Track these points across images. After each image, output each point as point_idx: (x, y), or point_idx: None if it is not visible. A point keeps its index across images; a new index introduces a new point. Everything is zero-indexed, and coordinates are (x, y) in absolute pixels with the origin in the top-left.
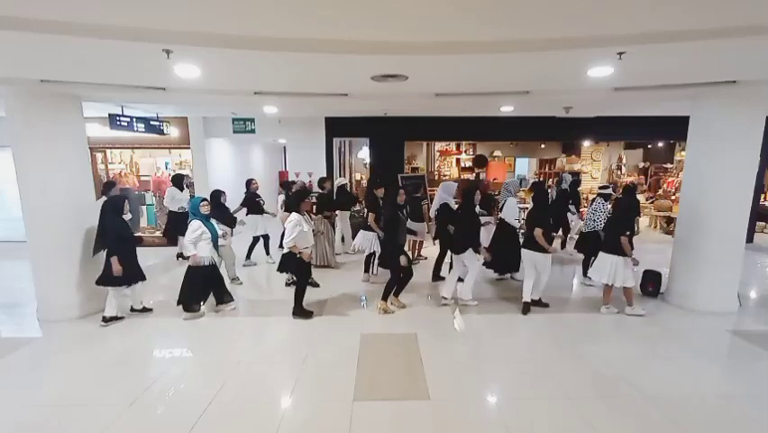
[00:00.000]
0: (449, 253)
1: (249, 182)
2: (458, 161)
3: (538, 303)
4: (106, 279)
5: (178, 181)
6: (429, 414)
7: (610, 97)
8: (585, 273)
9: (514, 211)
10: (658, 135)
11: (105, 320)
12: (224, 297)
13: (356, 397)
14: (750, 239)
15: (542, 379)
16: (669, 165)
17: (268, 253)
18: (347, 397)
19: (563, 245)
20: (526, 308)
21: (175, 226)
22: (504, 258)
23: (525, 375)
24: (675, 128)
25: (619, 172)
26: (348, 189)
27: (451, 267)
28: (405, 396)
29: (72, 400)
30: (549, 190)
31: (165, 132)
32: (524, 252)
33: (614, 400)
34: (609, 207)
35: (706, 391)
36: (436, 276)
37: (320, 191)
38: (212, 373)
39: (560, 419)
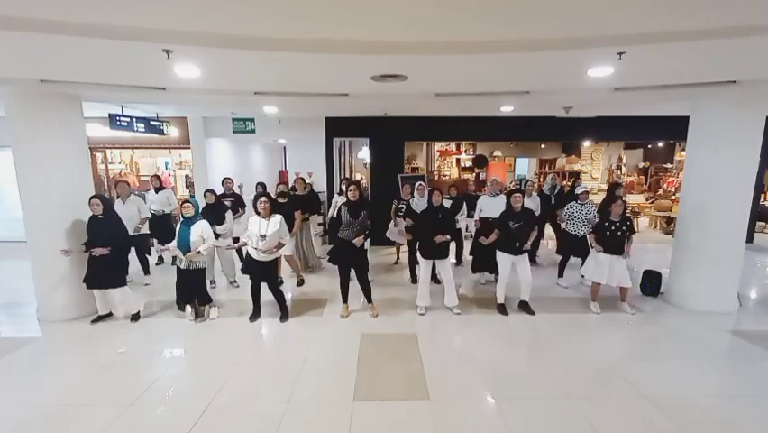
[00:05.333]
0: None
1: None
2: (458, 161)
3: (526, 308)
4: (124, 277)
5: (155, 182)
6: (429, 414)
7: (610, 97)
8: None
9: (485, 207)
10: (658, 135)
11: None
12: (203, 301)
13: (356, 397)
14: (750, 239)
15: (541, 379)
16: (669, 165)
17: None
18: (347, 397)
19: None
20: (502, 309)
21: (150, 229)
22: (487, 258)
23: (525, 375)
24: (675, 128)
25: (619, 172)
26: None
27: (414, 270)
28: (405, 396)
29: (72, 400)
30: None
31: (165, 132)
32: (498, 254)
33: (614, 400)
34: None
35: (706, 391)
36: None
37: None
38: (212, 374)
39: (560, 419)
